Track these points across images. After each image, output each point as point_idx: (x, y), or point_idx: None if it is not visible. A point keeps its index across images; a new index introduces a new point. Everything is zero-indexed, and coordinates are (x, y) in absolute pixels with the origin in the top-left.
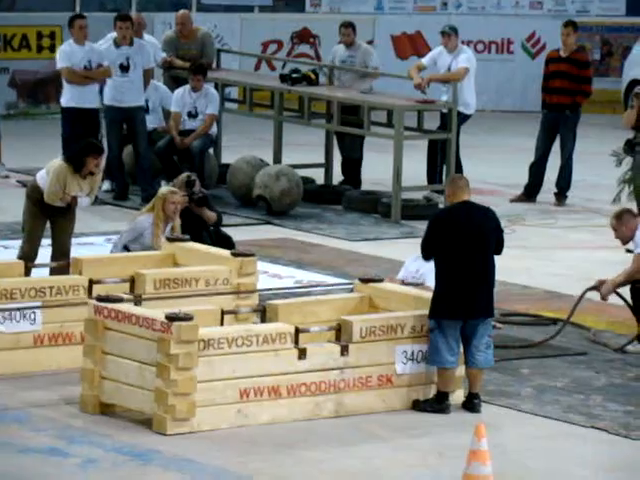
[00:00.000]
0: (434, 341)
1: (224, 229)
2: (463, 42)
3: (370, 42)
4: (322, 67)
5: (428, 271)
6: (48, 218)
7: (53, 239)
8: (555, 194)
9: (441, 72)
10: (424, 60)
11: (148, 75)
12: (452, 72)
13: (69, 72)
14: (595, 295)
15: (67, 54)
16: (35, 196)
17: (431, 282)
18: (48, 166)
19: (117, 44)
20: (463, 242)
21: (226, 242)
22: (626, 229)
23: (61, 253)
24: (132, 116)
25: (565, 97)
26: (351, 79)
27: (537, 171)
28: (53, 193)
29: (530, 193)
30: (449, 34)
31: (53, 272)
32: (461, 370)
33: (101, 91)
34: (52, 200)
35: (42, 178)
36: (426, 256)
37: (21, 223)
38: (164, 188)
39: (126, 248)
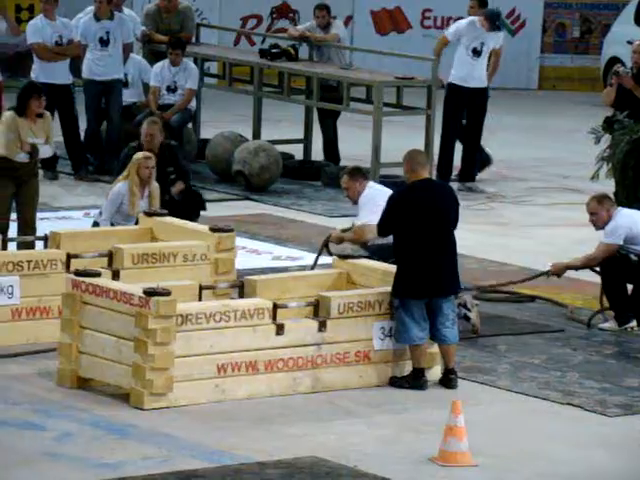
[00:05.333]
0: (401, 319)
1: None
2: (443, 19)
3: (349, 18)
4: (301, 42)
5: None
6: (15, 189)
7: (19, 212)
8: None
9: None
10: (449, 35)
11: (127, 49)
12: (497, 56)
13: (41, 48)
14: (571, 273)
15: (37, 29)
16: None
17: (364, 218)
18: None
19: (97, 18)
20: (426, 221)
21: (195, 200)
22: (606, 214)
23: (28, 226)
24: (110, 89)
25: None
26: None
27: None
28: (10, 142)
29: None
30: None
31: (21, 246)
32: (436, 347)
33: (72, 66)
34: (11, 151)
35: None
36: (384, 233)
37: None
38: (139, 153)
39: (110, 223)
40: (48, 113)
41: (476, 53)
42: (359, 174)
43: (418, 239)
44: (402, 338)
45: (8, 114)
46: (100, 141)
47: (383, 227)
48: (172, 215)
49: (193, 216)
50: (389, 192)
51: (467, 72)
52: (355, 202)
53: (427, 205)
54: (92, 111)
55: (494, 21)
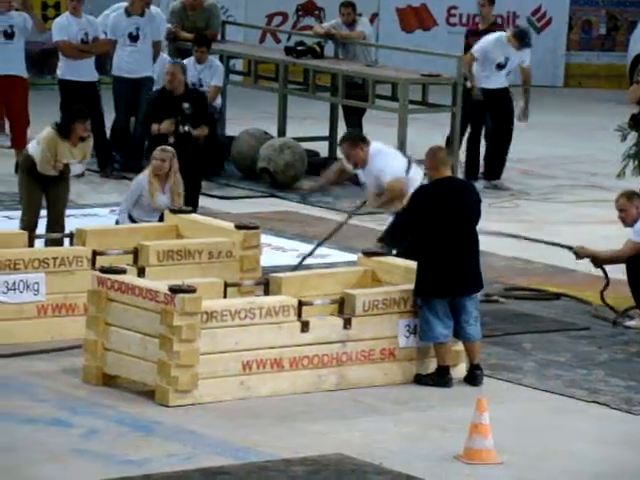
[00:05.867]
0: (425, 317)
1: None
2: (468, 16)
3: (375, 15)
4: (327, 40)
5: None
6: (43, 187)
7: (48, 209)
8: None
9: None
10: (476, 53)
11: (157, 47)
12: (527, 75)
13: (66, 46)
14: (597, 270)
15: (63, 27)
16: (27, 166)
17: (390, 173)
18: (39, 136)
19: (128, 13)
20: (449, 218)
21: (219, 150)
22: (635, 211)
23: (56, 223)
24: (139, 87)
25: None
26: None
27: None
28: (45, 161)
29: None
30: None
31: (49, 243)
32: (460, 345)
33: (97, 64)
34: (45, 169)
35: (33, 148)
36: (408, 231)
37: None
38: (157, 148)
39: (132, 219)
40: (91, 136)
41: (499, 67)
42: (360, 140)
43: (441, 237)
44: (426, 336)
45: (51, 134)
46: (128, 138)
47: (407, 225)
48: (188, 153)
49: (214, 167)
50: (394, 151)
51: (489, 79)
52: (356, 166)
53: (450, 202)
54: (121, 109)
55: (523, 39)
